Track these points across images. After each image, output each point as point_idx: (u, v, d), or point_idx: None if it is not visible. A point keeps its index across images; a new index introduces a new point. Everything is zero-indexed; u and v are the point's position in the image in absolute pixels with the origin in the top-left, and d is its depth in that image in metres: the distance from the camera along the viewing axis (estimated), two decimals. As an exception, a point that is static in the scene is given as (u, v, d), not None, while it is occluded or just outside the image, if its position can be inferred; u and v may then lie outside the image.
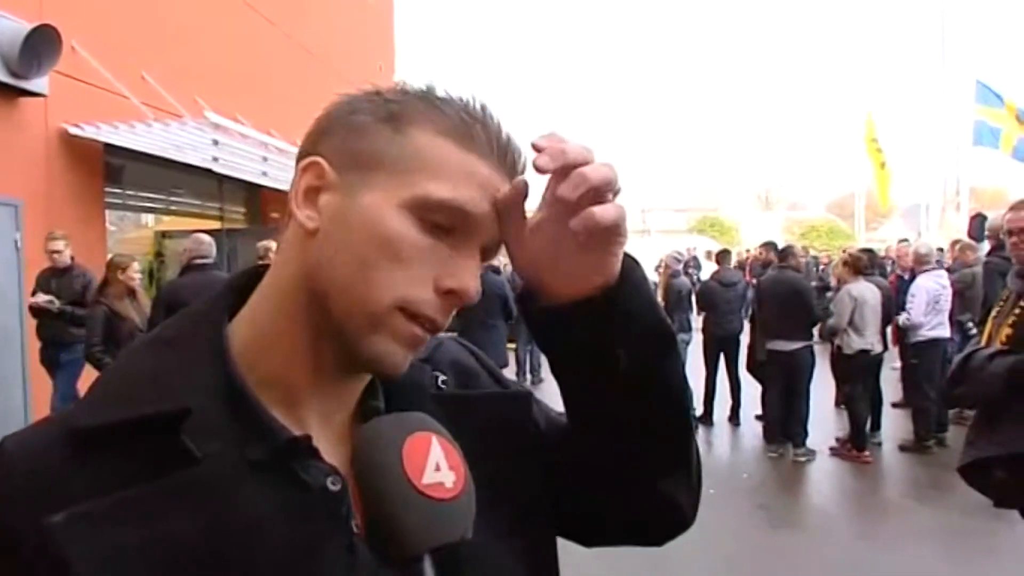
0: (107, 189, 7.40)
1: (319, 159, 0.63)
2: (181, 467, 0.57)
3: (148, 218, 9.58)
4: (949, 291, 6.51)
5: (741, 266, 16.28)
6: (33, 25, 5.75)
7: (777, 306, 6.37)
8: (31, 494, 0.56)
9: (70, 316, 5.42)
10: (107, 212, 7.54)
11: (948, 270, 7.03)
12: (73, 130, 6.50)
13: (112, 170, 7.43)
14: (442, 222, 0.62)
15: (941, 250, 10.90)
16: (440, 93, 0.66)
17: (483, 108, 0.66)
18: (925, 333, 6.42)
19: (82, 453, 0.57)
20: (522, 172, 0.67)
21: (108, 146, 6.83)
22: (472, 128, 0.64)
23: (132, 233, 9.16)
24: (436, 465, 0.55)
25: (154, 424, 0.58)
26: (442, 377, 0.74)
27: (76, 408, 0.62)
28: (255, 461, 0.59)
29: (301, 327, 0.64)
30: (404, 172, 0.62)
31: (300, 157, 0.65)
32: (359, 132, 0.63)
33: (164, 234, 9.27)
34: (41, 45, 5.83)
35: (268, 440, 0.60)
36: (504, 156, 0.65)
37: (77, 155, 6.75)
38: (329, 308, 0.62)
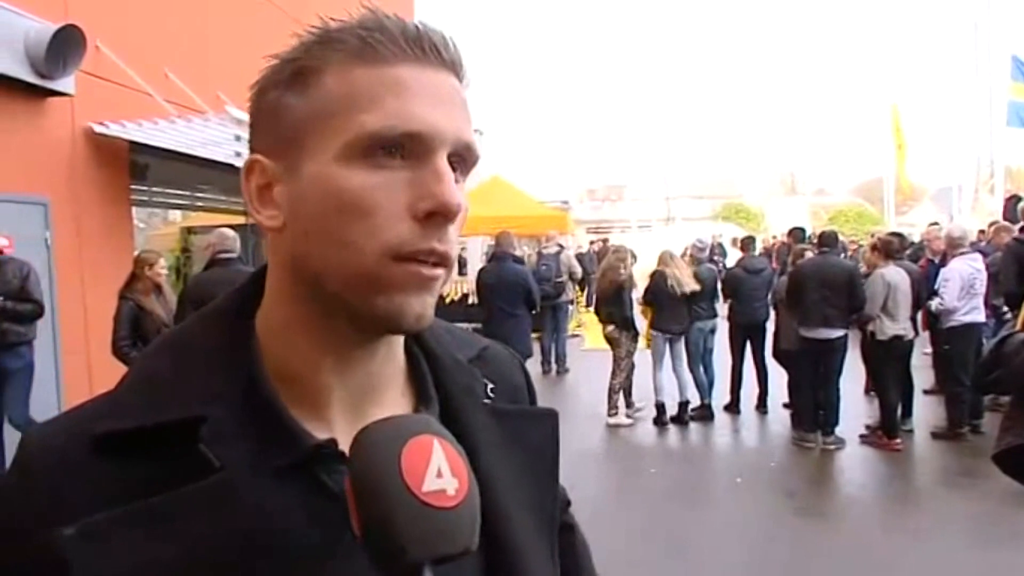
0: (133, 186, 7.49)
1: (257, 156, 0.61)
2: (200, 476, 0.55)
3: (174, 214, 9.71)
4: (984, 274, 6.37)
5: (768, 253, 16.13)
6: (58, 25, 5.82)
7: (822, 293, 6.20)
8: (48, 497, 0.55)
9: (12, 312, 4.97)
10: (134, 209, 7.64)
11: (982, 252, 6.89)
12: (99, 128, 6.59)
13: (138, 168, 7.52)
14: (390, 150, 0.57)
15: (983, 232, 10.68)
16: (334, 25, 0.60)
17: (375, 12, 0.60)
18: (959, 318, 6.29)
19: (102, 457, 0.56)
20: (452, 52, 0.60)
21: (133, 144, 6.92)
22: (371, 38, 0.58)
23: (159, 230, 9.30)
24: (438, 471, 0.51)
25: (173, 431, 0.56)
26: (491, 385, 0.73)
27: (99, 407, 0.61)
28: (278, 467, 0.58)
29: (310, 317, 0.61)
30: (326, 124, 0.57)
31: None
32: (275, 112, 0.60)
33: (190, 230, 9.40)
34: (66, 45, 5.91)
35: (291, 445, 0.59)
36: (422, 46, 0.59)
37: (103, 153, 6.84)
38: (326, 288, 0.59)
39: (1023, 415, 2.92)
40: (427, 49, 0.59)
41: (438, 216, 0.57)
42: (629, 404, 7.38)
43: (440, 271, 0.60)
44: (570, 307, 11.31)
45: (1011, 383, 2.92)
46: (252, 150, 0.62)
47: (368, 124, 0.56)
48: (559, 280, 10.29)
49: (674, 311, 7.24)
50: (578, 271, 11.19)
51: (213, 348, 0.62)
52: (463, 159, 0.61)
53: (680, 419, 7.24)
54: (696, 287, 7.15)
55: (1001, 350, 2.82)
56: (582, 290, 14.33)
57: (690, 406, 7.31)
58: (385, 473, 0.50)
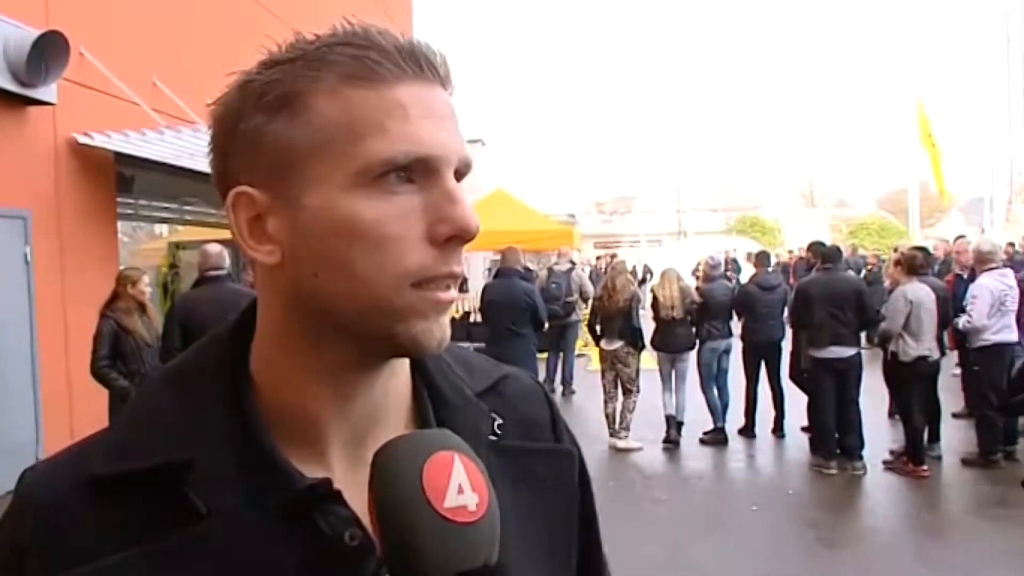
0: (119, 199, 7.53)
1: (242, 188, 0.59)
2: (190, 521, 0.57)
3: (162, 228, 9.74)
4: (1016, 291, 6.34)
5: (784, 269, 16.09)
6: (40, 32, 5.87)
7: (829, 311, 6.25)
8: (38, 541, 0.57)
9: None
10: (119, 223, 7.68)
11: (1013, 267, 6.86)
12: (83, 139, 6.63)
13: (123, 179, 7.56)
14: (399, 176, 0.57)
15: (1012, 245, 10.63)
16: (309, 39, 0.59)
17: (364, 28, 0.59)
18: (989, 337, 6.25)
19: (94, 500, 0.58)
20: (443, 65, 0.61)
21: (119, 155, 6.95)
22: (367, 58, 0.57)
23: (145, 244, 9.31)
24: (459, 487, 0.54)
25: (163, 473, 0.58)
26: (499, 421, 0.73)
27: (94, 447, 0.62)
28: (270, 510, 0.58)
29: (309, 351, 0.62)
30: (327, 153, 0.57)
31: (221, 193, 0.62)
32: (260, 140, 0.58)
33: (178, 245, 9.41)
34: (49, 52, 5.95)
35: (283, 486, 0.59)
36: (418, 63, 0.59)
37: (87, 165, 6.88)
38: (340, 321, 0.59)
39: None
40: (423, 65, 0.59)
41: (457, 240, 0.59)
42: (615, 432, 7.36)
43: (455, 292, 0.61)
44: (579, 327, 11.26)
45: None
46: (231, 179, 0.61)
47: (376, 152, 0.56)
48: (569, 300, 10.25)
49: (668, 331, 7.33)
50: (590, 290, 11.12)
51: (206, 385, 0.62)
52: (460, 173, 0.61)
53: (669, 440, 7.30)
54: (673, 313, 7.22)
55: None
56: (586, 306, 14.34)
57: (683, 427, 7.35)
58: (408, 490, 0.52)
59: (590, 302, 12.60)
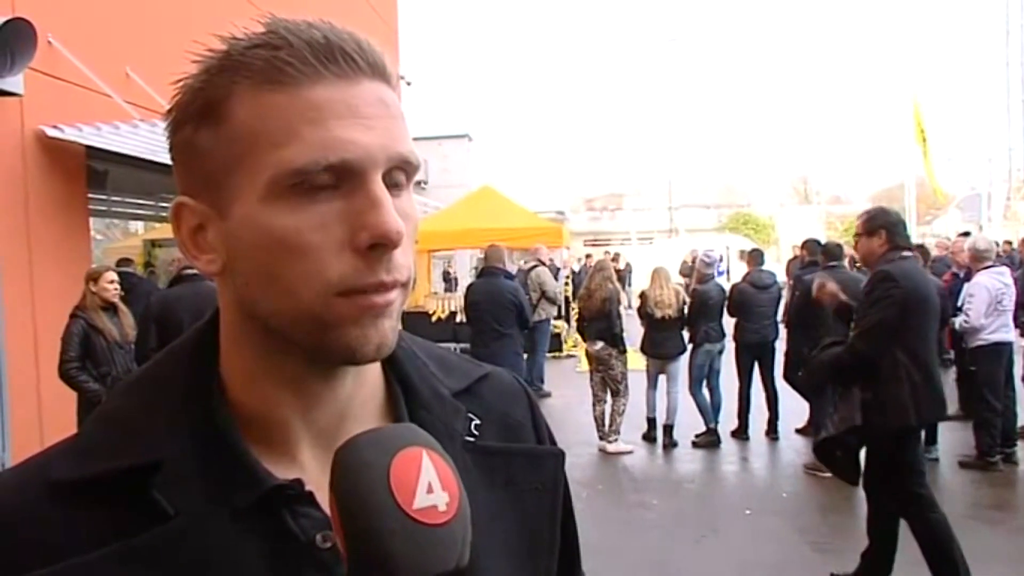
0: (91, 195, 7.44)
1: (184, 200, 0.62)
2: (155, 523, 0.56)
3: (137, 226, 9.66)
4: (1013, 289, 6.39)
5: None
6: (5, 19, 5.76)
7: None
8: (4, 551, 0.56)
9: None
10: (91, 220, 7.60)
11: (1009, 265, 6.93)
12: (52, 132, 6.53)
13: (96, 175, 7.47)
14: (317, 183, 0.56)
15: (1010, 243, 10.70)
16: (239, 38, 0.58)
17: (277, 25, 0.58)
18: (986, 337, 6.29)
19: (58, 507, 0.57)
20: (369, 55, 0.59)
21: (91, 149, 6.86)
22: (277, 59, 0.56)
23: (119, 242, 9.24)
24: (428, 486, 0.51)
25: (129, 475, 0.57)
26: (476, 421, 0.72)
27: (58, 454, 0.62)
28: (239, 511, 0.58)
29: (265, 355, 0.62)
30: (244, 163, 0.57)
31: None
32: (192, 150, 0.60)
33: (154, 243, 9.33)
34: (14, 40, 5.84)
35: (253, 487, 0.59)
36: (334, 58, 0.57)
37: (57, 159, 6.79)
38: (277, 330, 0.60)
39: (843, 409, 3.53)
40: (340, 60, 0.57)
41: (380, 248, 0.57)
42: (604, 435, 7.37)
43: (394, 294, 0.59)
44: (547, 327, 11.17)
45: (807, 384, 3.96)
46: (178, 187, 0.63)
47: (288, 161, 0.56)
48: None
49: (657, 334, 7.35)
50: (552, 288, 11.04)
51: (175, 388, 0.63)
52: (403, 170, 0.60)
53: (647, 438, 7.37)
54: (670, 312, 7.25)
55: (811, 354, 3.58)
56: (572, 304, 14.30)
57: (673, 429, 7.38)
58: (374, 490, 0.50)
59: (558, 301, 12.67)
